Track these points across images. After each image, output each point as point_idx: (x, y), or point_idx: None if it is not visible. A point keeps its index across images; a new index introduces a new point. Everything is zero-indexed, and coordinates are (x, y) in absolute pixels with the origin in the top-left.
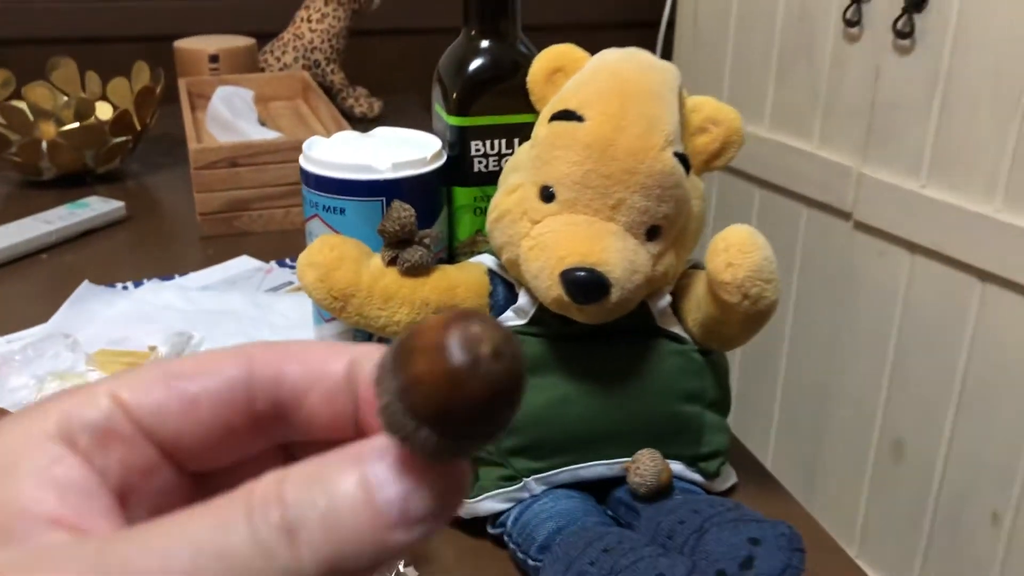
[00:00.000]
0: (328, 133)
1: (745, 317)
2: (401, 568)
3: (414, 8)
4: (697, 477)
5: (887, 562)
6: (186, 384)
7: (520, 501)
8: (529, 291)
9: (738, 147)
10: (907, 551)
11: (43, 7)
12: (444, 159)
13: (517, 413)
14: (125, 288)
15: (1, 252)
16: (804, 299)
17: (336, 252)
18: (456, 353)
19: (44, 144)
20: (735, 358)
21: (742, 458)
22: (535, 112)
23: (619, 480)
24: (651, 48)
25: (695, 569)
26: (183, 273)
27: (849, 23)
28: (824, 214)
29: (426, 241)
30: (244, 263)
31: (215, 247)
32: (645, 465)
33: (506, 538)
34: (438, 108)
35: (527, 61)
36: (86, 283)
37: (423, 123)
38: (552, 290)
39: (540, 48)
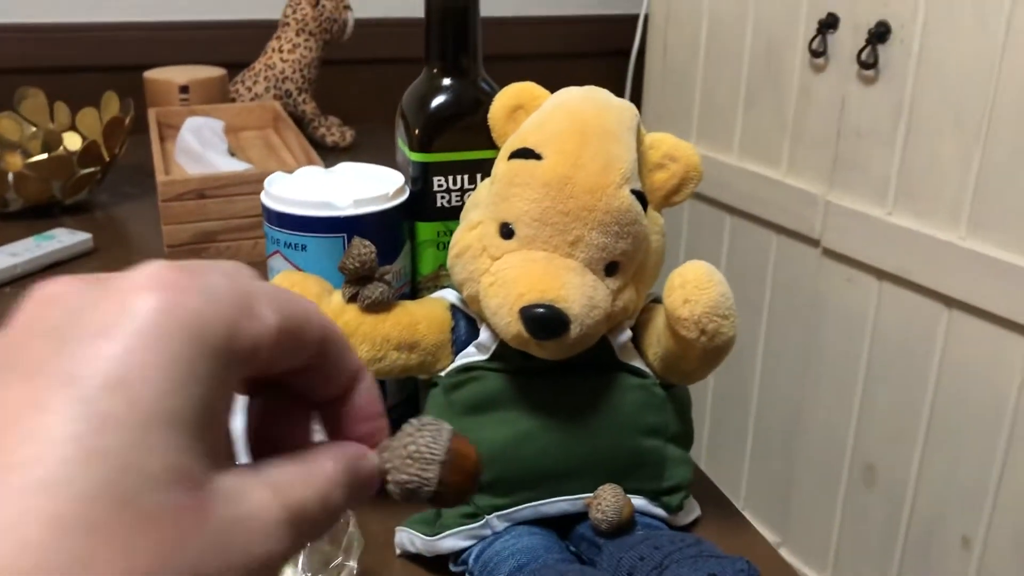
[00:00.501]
0: (298, 163)
1: (703, 353)
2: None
3: (386, 38)
4: (660, 512)
5: None
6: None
7: (482, 538)
8: (490, 327)
9: (696, 183)
10: None
11: (11, 36)
12: (406, 195)
13: None
14: None
15: None
16: (775, 326)
17: (296, 289)
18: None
19: (10, 176)
20: (708, 385)
21: (706, 490)
22: (497, 148)
23: (582, 516)
24: (621, 78)
25: None
26: None
27: (815, 54)
28: (793, 241)
29: (387, 277)
30: None
31: None
32: (607, 501)
33: None
34: (401, 144)
35: (488, 98)
36: None
37: (396, 153)
38: (512, 326)
39: (502, 84)
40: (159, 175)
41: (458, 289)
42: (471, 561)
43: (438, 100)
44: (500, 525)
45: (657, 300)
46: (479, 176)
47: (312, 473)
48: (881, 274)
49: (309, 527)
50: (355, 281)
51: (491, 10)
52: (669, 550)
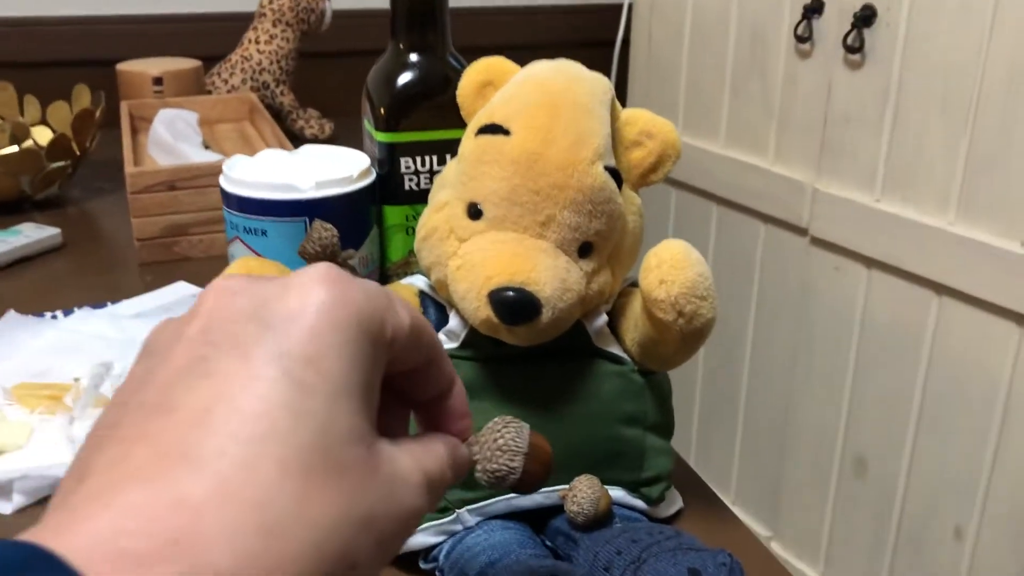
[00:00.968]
0: None
1: (681, 336)
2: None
3: (367, 30)
4: (639, 503)
5: None
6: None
7: (453, 534)
8: (460, 313)
9: (674, 160)
10: (872, 568)
11: None
12: (372, 177)
13: None
14: (54, 317)
15: None
16: (763, 317)
17: (254, 275)
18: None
19: None
20: (696, 379)
21: (690, 482)
22: (466, 127)
23: (557, 509)
24: (606, 68)
25: None
26: (118, 301)
27: (800, 39)
28: (781, 230)
29: (351, 262)
30: (181, 289)
31: (154, 274)
32: (582, 492)
33: (438, 574)
34: (367, 124)
35: (457, 75)
36: (11, 313)
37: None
38: (480, 311)
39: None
40: (128, 167)
41: (426, 274)
42: (441, 558)
43: (405, 77)
44: (472, 520)
45: (635, 284)
46: (448, 157)
47: (431, 452)
48: (870, 262)
49: (435, 494)
50: None
51: (475, 0)
52: (647, 543)
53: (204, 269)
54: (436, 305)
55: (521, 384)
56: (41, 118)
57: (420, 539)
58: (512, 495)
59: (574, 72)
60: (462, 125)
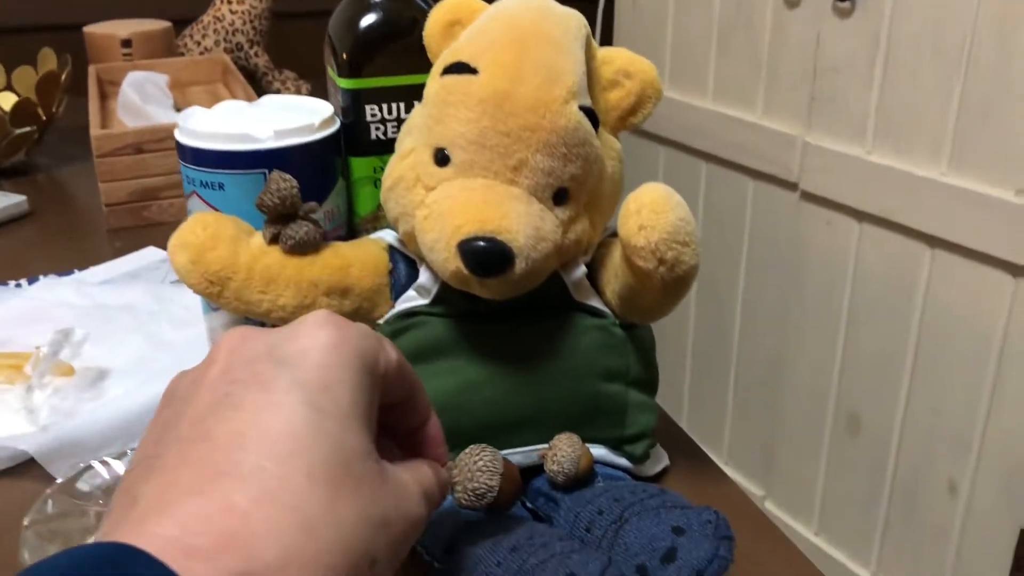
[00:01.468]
0: None
1: (663, 284)
2: None
3: None
4: (622, 462)
5: (846, 537)
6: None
7: None
8: (430, 267)
9: (655, 102)
10: (866, 525)
11: None
12: (336, 126)
13: None
14: (19, 286)
15: None
16: (754, 274)
17: (210, 231)
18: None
19: None
20: (687, 338)
21: (675, 439)
22: None
23: (538, 469)
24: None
25: (611, 565)
26: (85, 269)
27: None
28: (771, 185)
29: (312, 215)
30: (149, 255)
31: (123, 239)
32: (562, 451)
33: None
34: (330, 72)
35: (424, 16)
36: None
37: (327, 83)
38: (450, 263)
39: None
40: (93, 129)
41: (394, 227)
42: None
43: (368, 19)
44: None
45: (616, 234)
46: (417, 104)
47: (421, 470)
48: (861, 215)
49: (431, 506)
50: (276, 220)
51: None
52: (630, 502)
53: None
54: (406, 260)
55: (497, 341)
56: (7, 84)
57: None
58: None
59: (545, 6)
60: (430, 68)
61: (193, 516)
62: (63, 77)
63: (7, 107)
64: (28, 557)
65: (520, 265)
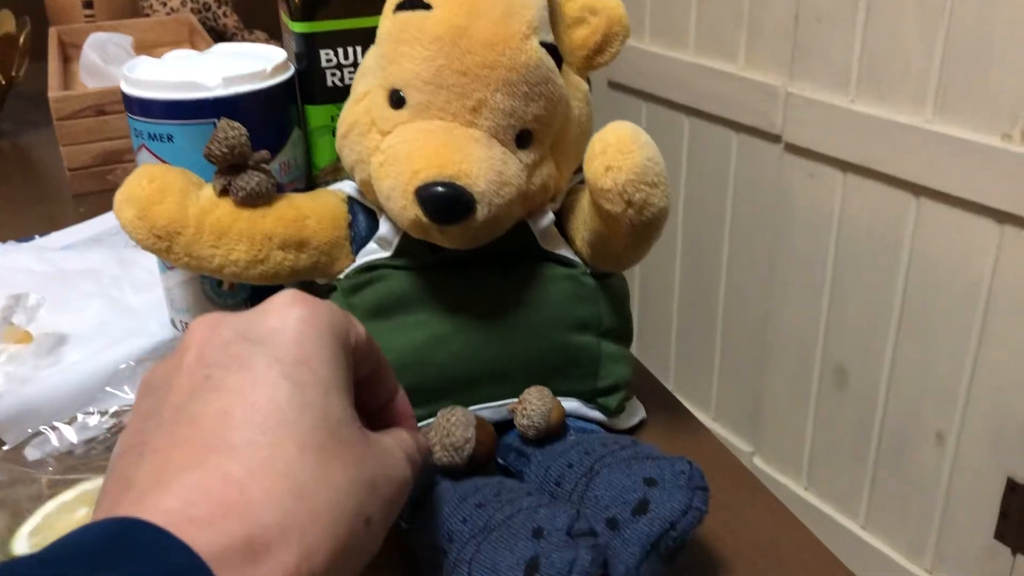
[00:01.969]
0: None
1: (631, 228)
2: None
3: None
4: (596, 415)
5: (835, 491)
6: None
7: None
8: (390, 217)
9: (623, 40)
10: (854, 478)
11: None
12: (290, 72)
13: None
14: None
15: None
16: (739, 229)
17: (156, 184)
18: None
19: None
20: (672, 295)
21: (654, 391)
22: None
23: (508, 424)
24: None
25: (579, 519)
26: (47, 234)
27: None
28: (754, 138)
29: (265, 165)
30: (112, 219)
31: (87, 204)
32: (532, 405)
33: None
34: (283, 16)
35: None
36: None
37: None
38: (408, 210)
39: None
40: (52, 91)
41: (351, 176)
42: None
43: None
44: None
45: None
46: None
47: (401, 436)
48: (845, 166)
49: (414, 469)
50: (226, 171)
51: None
52: (601, 454)
53: None
54: (366, 211)
55: (462, 293)
56: None
57: None
58: None
59: None
60: None
61: (191, 489)
62: (22, 40)
63: None
64: None
65: (482, 211)
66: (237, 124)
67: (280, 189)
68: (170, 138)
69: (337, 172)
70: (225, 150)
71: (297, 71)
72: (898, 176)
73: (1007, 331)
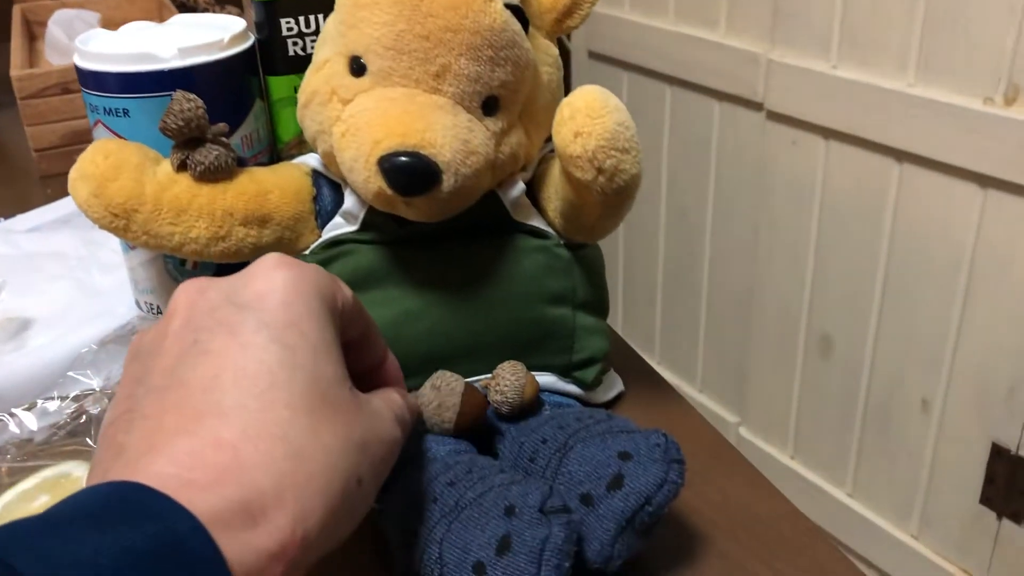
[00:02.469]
0: None
1: (603, 197)
2: None
3: None
4: (572, 388)
5: (822, 459)
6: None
7: None
8: (355, 190)
9: (592, 2)
10: (841, 447)
11: None
12: (250, 42)
13: None
14: None
15: None
16: (722, 197)
17: (111, 160)
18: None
19: None
20: (656, 267)
21: (632, 364)
22: None
23: None
24: None
25: (552, 495)
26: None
27: None
28: (736, 107)
29: (223, 138)
30: None
31: (55, 186)
32: (505, 380)
33: None
34: None
35: None
36: None
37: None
38: (371, 182)
39: None
40: (14, 70)
41: (314, 148)
42: None
43: None
44: None
45: None
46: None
47: (390, 397)
48: (828, 132)
49: (404, 429)
50: (183, 145)
51: None
52: (575, 429)
53: None
54: (331, 185)
55: (432, 267)
56: None
57: None
58: None
59: None
60: None
61: (185, 453)
62: None
63: None
64: None
65: (448, 182)
66: (193, 96)
67: (243, 163)
68: (126, 112)
69: (303, 145)
70: (181, 123)
71: (258, 41)
72: (881, 142)
73: (990, 295)
